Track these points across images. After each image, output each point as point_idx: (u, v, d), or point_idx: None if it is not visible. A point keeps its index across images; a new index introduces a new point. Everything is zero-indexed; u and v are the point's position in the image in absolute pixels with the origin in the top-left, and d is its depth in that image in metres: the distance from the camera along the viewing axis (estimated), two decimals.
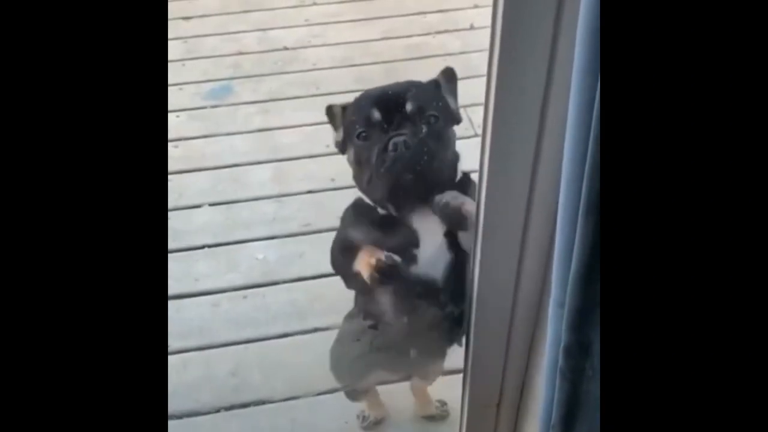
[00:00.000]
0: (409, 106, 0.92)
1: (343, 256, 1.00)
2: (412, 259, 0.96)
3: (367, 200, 0.99)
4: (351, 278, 1.00)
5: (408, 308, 1.02)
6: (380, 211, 0.98)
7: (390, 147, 0.89)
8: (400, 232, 0.96)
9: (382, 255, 0.90)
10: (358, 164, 0.95)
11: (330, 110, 1.01)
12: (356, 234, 0.98)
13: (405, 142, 0.89)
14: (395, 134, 0.90)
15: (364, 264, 0.92)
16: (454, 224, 0.93)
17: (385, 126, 0.91)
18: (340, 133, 1.00)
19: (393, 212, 0.96)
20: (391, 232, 0.96)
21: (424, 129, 0.92)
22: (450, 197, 0.93)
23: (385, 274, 0.90)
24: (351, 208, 1.03)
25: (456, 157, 0.97)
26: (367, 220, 0.98)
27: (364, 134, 0.92)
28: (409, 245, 0.95)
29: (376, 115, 0.92)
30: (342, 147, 1.00)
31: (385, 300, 1.03)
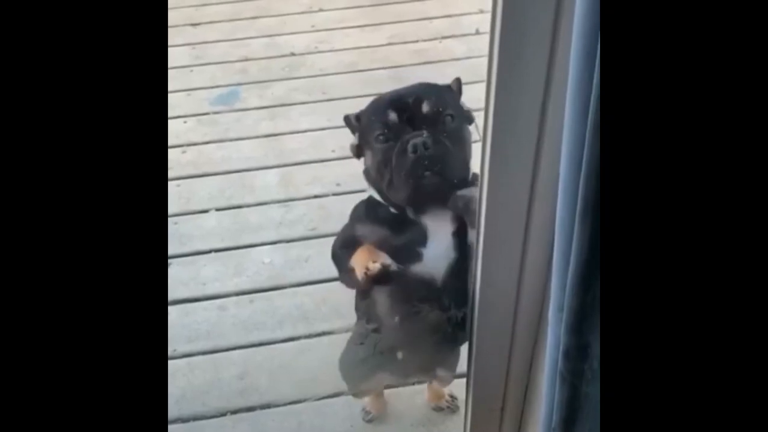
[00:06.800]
0: (425, 107, 0.92)
1: (343, 250, 1.00)
2: (416, 257, 0.96)
3: (380, 199, 0.99)
4: (346, 273, 1.00)
5: (405, 310, 1.02)
6: (392, 210, 0.97)
7: (409, 149, 0.89)
8: (408, 231, 0.96)
9: (377, 261, 0.90)
10: (378, 167, 0.95)
11: (348, 120, 1.01)
12: (361, 230, 0.99)
13: (424, 143, 0.89)
14: (413, 135, 0.90)
15: (358, 263, 0.93)
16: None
17: (403, 127, 0.91)
18: (356, 138, 1.00)
19: (411, 215, 0.96)
20: (398, 230, 0.96)
21: (442, 128, 0.92)
22: (470, 192, 0.93)
23: (376, 280, 0.90)
24: (363, 204, 1.02)
25: (470, 156, 0.97)
26: (376, 218, 0.98)
27: (382, 137, 0.92)
28: (415, 243, 0.94)
29: (393, 116, 0.92)
30: (358, 151, 1.00)
31: (381, 301, 1.03)
